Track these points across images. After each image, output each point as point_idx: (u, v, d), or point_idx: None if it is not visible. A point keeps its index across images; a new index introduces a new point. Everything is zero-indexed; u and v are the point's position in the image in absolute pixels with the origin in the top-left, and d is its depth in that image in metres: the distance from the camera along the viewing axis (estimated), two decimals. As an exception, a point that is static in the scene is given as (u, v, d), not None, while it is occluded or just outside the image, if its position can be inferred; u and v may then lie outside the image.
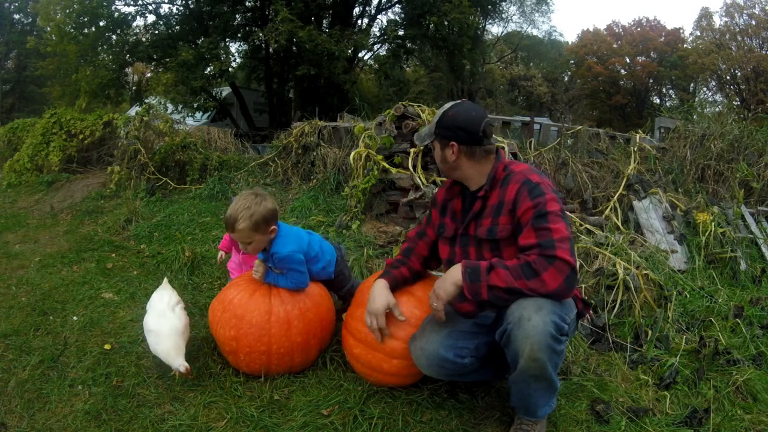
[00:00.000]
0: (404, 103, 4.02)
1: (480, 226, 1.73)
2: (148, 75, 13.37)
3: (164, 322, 1.99)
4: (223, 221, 2.08)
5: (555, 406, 1.73)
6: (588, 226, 3.36)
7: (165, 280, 2.31)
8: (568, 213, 3.37)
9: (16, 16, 23.22)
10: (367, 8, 13.68)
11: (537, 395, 1.61)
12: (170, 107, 10.53)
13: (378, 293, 1.83)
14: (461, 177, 1.80)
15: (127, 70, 12.01)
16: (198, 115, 11.87)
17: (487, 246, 1.71)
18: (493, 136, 1.79)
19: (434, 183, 3.60)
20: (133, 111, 9.55)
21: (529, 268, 1.50)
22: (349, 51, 11.38)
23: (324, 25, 12.16)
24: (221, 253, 2.89)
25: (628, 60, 29.03)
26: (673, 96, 29.20)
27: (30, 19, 22.33)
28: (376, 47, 13.60)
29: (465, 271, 1.56)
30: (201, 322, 2.54)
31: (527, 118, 5.84)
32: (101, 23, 10.29)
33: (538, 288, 1.49)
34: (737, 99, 23.88)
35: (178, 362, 1.90)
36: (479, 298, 1.55)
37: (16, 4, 22.71)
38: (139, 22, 20.54)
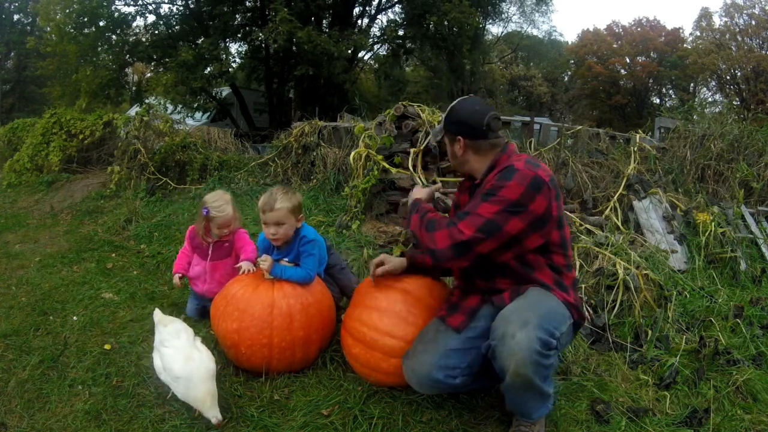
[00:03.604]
0: (404, 103, 4.02)
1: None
2: (148, 75, 13.36)
3: (195, 365, 1.76)
4: (260, 206, 2.15)
5: (551, 407, 1.72)
6: (588, 226, 3.36)
7: (157, 311, 2.03)
8: (568, 213, 3.37)
9: (16, 16, 23.21)
10: (367, 8, 13.67)
11: (529, 403, 1.62)
12: (170, 107, 10.50)
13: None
14: (470, 171, 1.81)
15: (127, 70, 11.99)
16: (198, 115, 11.84)
17: None
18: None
19: (434, 183, 3.60)
20: (133, 111, 9.53)
21: (431, 224, 1.67)
22: (349, 51, 11.37)
23: (324, 25, 12.15)
24: (176, 277, 2.57)
25: (628, 60, 29.01)
26: (673, 96, 29.18)
27: (30, 19, 22.32)
28: (376, 47, 13.61)
29: (413, 204, 1.83)
30: (200, 322, 2.54)
31: (527, 118, 5.83)
32: (101, 23, 10.27)
33: (427, 242, 1.65)
34: (737, 99, 23.88)
35: (212, 414, 1.70)
36: (407, 229, 1.81)
37: (16, 4, 22.70)
38: (139, 22, 20.44)
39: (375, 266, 2.00)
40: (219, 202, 2.44)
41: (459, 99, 1.82)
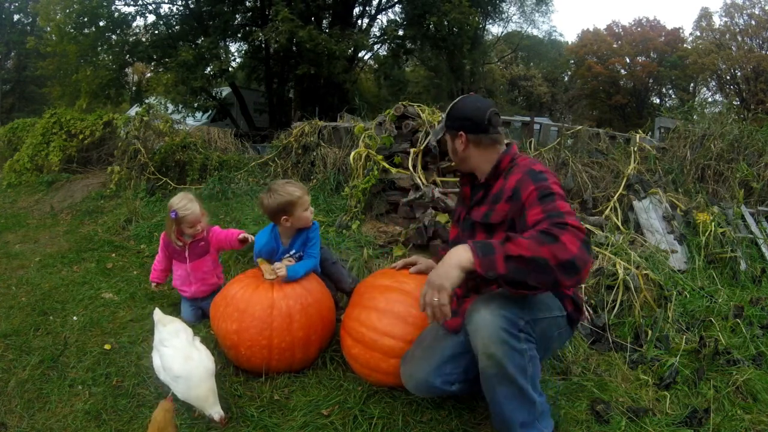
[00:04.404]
0: (404, 103, 4.02)
1: (479, 211, 1.76)
2: (148, 75, 13.36)
3: (194, 365, 1.77)
4: (299, 194, 2.17)
5: (547, 428, 1.54)
6: (588, 226, 3.36)
7: (157, 310, 2.01)
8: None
9: (16, 16, 23.22)
10: (367, 8, 13.69)
11: (507, 406, 1.48)
12: (170, 107, 10.52)
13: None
14: (472, 167, 1.83)
15: (127, 70, 12.00)
16: (198, 115, 11.86)
17: (481, 229, 1.75)
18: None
19: (434, 183, 3.60)
20: (133, 111, 9.53)
21: (546, 235, 1.35)
22: (350, 51, 11.37)
23: (324, 24, 12.16)
24: (153, 285, 2.74)
25: (628, 60, 29.01)
26: (673, 96, 29.18)
27: (30, 19, 22.32)
28: (376, 47, 13.62)
29: (474, 247, 1.38)
30: (201, 323, 2.54)
31: (527, 118, 5.84)
32: (101, 23, 10.28)
33: (561, 253, 1.32)
34: (737, 99, 23.88)
35: (215, 410, 1.72)
36: (494, 273, 1.34)
37: (16, 4, 22.70)
38: (139, 22, 20.56)
39: (404, 263, 2.08)
40: (183, 201, 2.48)
41: (460, 97, 1.85)
